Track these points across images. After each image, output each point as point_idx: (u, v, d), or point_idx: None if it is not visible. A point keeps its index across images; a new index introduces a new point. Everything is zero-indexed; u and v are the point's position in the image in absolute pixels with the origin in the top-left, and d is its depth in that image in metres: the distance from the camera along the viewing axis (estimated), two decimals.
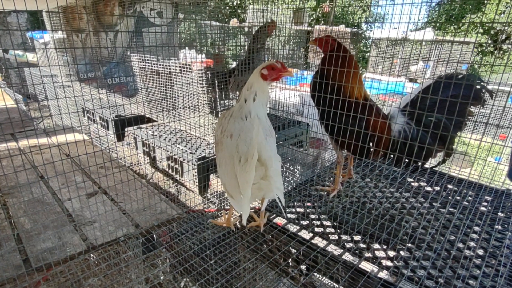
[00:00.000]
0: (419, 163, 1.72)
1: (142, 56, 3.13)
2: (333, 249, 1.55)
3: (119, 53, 4.52)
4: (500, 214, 1.91)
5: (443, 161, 1.73)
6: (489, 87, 1.59)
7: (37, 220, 1.85)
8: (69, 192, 2.04)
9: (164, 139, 2.89)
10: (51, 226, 1.80)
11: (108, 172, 2.35)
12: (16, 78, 6.13)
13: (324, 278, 1.43)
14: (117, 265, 1.53)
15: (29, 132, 2.93)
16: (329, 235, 1.66)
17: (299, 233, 1.66)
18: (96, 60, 4.22)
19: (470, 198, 2.10)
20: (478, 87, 1.56)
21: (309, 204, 1.97)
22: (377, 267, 1.43)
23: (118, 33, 4.50)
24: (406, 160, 1.73)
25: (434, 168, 2.02)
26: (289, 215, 1.84)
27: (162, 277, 1.66)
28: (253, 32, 2.97)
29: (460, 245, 1.60)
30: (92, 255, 1.61)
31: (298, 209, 1.91)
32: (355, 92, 1.75)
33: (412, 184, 2.27)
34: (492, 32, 11.22)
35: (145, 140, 3.03)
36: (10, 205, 1.99)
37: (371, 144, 1.75)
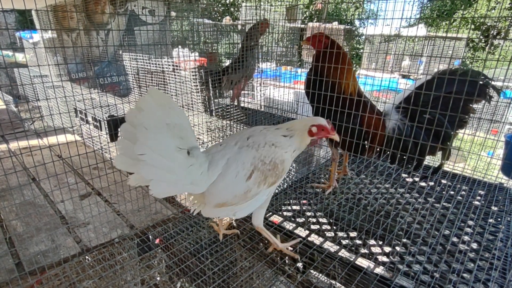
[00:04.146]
0: (421, 161, 1.70)
1: (134, 55, 3.09)
2: (330, 246, 1.55)
3: (111, 52, 4.47)
4: (493, 208, 1.93)
5: (439, 167, 1.71)
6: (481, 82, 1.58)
7: (30, 223, 1.82)
8: (61, 194, 2.01)
9: None
10: (44, 228, 1.77)
11: (102, 173, 2.32)
12: (6, 78, 6.02)
13: (321, 275, 1.43)
14: (112, 267, 1.52)
15: (19, 134, 2.88)
16: (325, 232, 1.66)
17: (295, 231, 1.66)
18: (87, 59, 4.16)
19: (464, 192, 2.12)
20: (481, 82, 1.50)
21: (304, 201, 1.97)
22: (373, 263, 1.43)
23: (110, 32, 4.44)
24: (404, 157, 1.73)
25: (432, 168, 2.02)
26: (285, 213, 1.83)
27: (158, 278, 1.65)
28: (246, 30, 2.96)
29: (455, 239, 1.62)
30: (86, 257, 1.59)
31: (294, 207, 1.90)
32: (349, 89, 1.75)
33: (407, 179, 2.29)
34: (483, 27, 11.33)
35: None
36: (1, 208, 1.95)
37: (365, 141, 1.75)
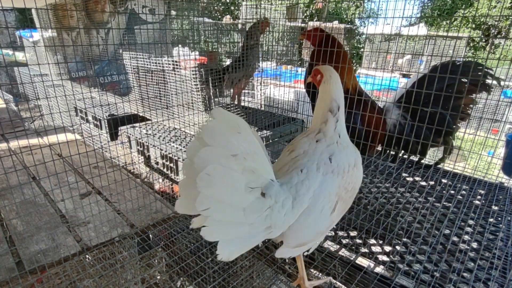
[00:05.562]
0: (420, 157, 1.69)
1: (134, 54, 3.09)
2: (330, 245, 1.55)
3: (111, 51, 4.46)
4: (494, 207, 1.93)
5: (441, 161, 1.70)
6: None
7: (30, 221, 1.82)
8: (61, 193, 2.01)
9: (159, 138, 2.86)
10: (44, 227, 1.77)
11: (102, 172, 2.32)
12: (6, 77, 6.02)
13: (321, 274, 1.43)
14: (112, 266, 1.52)
15: (19, 133, 2.88)
16: None
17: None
18: (87, 58, 4.16)
19: (464, 192, 2.12)
20: (480, 73, 1.50)
21: None
22: (374, 263, 1.43)
23: (110, 30, 4.44)
24: (402, 154, 1.72)
25: (431, 164, 2.01)
26: None
27: (158, 277, 1.65)
28: (247, 29, 2.95)
29: (455, 238, 1.61)
30: (87, 256, 1.59)
31: None
32: (348, 86, 1.73)
33: (407, 179, 2.28)
34: (484, 27, 11.32)
35: (139, 139, 3.00)
36: (1, 207, 1.95)
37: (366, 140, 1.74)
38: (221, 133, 0.82)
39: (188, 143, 2.79)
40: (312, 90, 1.77)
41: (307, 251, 1.16)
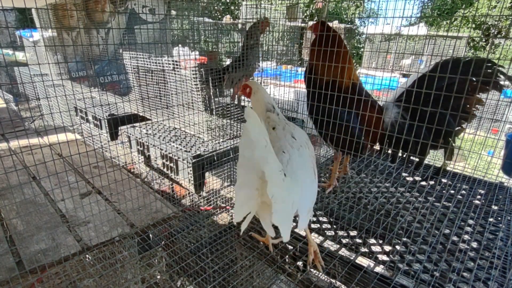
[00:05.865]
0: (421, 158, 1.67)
1: (134, 54, 3.09)
2: (330, 245, 1.55)
3: (111, 51, 4.46)
4: (494, 207, 1.93)
5: (441, 168, 1.69)
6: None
7: (30, 221, 1.82)
8: (62, 193, 2.01)
9: (159, 138, 2.86)
10: (44, 227, 1.77)
11: (102, 171, 2.32)
12: (6, 77, 6.03)
13: (321, 274, 1.43)
14: (112, 266, 1.52)
15: (19, 133, 2.88)
16: (326, 231, 1.66)
17: (295, 230, 1.66)
18: (87, 58, 4.16)
19: (464, 191, 2.12)
20: (489, 70, 1.40)
21: None
22: (374, 262, 1.44)
23: (110, 30, 4.44)
24: (401, 155, 1.72)
25: (431, 164, 2.01)
26: None
27: (158, 277, 1.65)
28: (247, 29, 2.95)
29: (455, 238, 1.62)
30: (87, 256, 1.59)
31: None
32: (348, 84, 1.73)
33: (407, 178, 2.28)
34: (484, 26, 11.31)
35: (139, 138, 3.00)
36: (1, 207, 1.95)
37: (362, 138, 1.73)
38: (257, 130, 0.89)
39: (188, 142, 2.79)
40: (312, 90, 1.77)
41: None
